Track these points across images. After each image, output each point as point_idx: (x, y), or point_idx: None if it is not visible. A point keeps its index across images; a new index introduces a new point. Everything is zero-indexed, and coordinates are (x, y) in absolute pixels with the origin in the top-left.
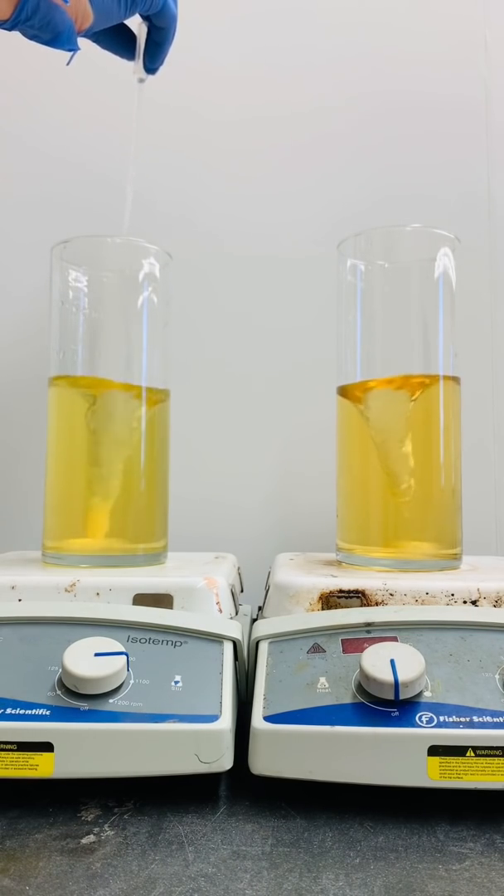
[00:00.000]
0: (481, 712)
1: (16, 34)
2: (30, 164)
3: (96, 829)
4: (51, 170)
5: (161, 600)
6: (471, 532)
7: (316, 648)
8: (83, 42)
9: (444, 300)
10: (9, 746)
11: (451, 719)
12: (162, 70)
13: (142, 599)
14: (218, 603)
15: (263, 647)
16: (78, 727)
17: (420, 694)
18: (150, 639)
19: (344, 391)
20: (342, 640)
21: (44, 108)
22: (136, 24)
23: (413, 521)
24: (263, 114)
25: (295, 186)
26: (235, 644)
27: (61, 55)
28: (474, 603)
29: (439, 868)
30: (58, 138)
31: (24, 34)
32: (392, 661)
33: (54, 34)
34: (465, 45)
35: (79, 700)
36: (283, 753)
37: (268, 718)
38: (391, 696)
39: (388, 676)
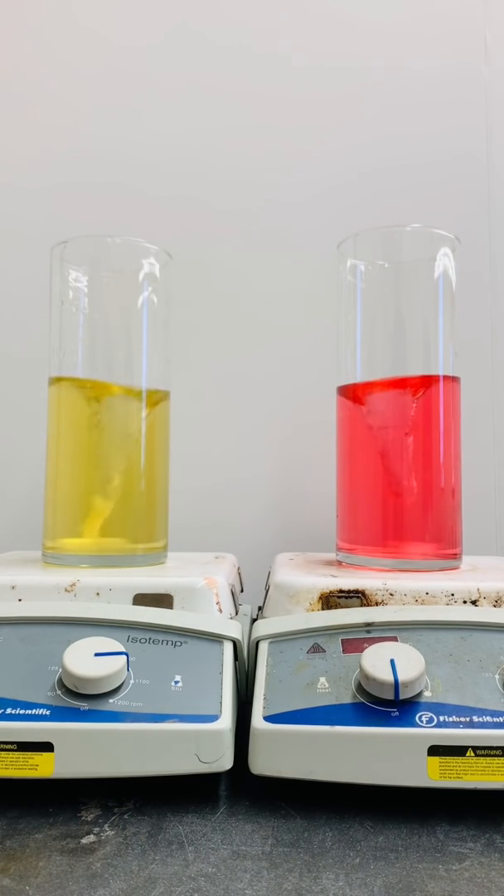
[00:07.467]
0: (481, 712)
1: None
2: (30, 164)
3: (96, 829)
4: (51, 169)
5: (161, 600)
6: (471, 532)
7: (316, 648)
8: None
9: (444, 300)
10: (9, 746)
11: (450, 719)
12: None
13: (142, 599)
14: (218, 603)
15: (263, 647)
16: (78, 727)
17: (420, 694)
18: (150, 639)
19: (344, 391)
20: (342, 640)
21: (44, 105)
22: None
23: (413, 521)
24: (264, 114)
25: (295, 186)
26: (235, 644)
27: (61, 54)
28: (474, 603)
29: (439, 868)
30: (58, 137)
31: None
32: (392, 661)
33: None
34: (465, 45)
35: (79, 700)
36: (283, 753)
37: (268, 718)
38: (391, 696)
39: (388, 676)
